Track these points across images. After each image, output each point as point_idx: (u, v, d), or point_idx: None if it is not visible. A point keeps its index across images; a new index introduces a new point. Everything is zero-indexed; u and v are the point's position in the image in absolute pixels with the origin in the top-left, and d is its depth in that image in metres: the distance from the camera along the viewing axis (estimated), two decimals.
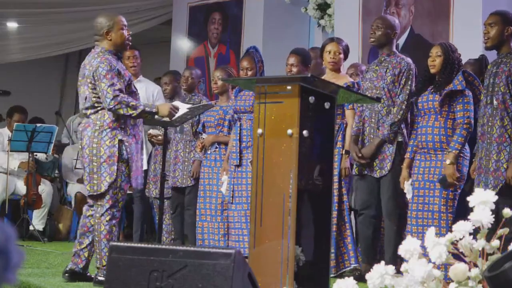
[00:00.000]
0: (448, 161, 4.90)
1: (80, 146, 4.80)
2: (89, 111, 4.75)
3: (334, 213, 5.46)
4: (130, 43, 4.92)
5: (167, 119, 5.10)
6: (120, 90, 4.66)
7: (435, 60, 5.05)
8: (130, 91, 4.80)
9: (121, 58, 4.91)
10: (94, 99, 4.72)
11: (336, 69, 5.68)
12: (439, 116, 5.01)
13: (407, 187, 5.10)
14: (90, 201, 4.86)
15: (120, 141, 4.69)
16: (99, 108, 4.72)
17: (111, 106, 4.62)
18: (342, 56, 5.70)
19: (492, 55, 5.13)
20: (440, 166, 4.98)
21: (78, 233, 4.90)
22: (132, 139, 4.77)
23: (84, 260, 4.82)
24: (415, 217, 5.02)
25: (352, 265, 5.48)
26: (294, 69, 5.78)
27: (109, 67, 4.67)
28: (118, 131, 4.70)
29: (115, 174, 4.67)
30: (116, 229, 4.76)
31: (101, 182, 4.68)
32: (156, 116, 4.89)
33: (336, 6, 7.95)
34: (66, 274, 4.80)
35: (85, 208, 4.93)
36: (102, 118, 4.70)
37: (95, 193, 4.71)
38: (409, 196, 5.11)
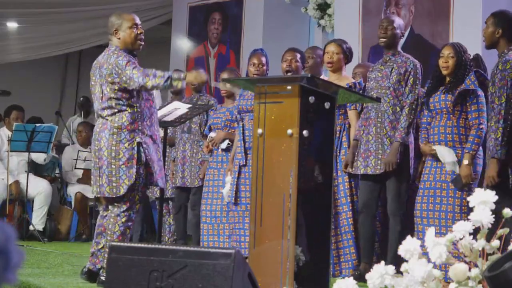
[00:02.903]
0: (466, 162, 4.88)
1: (96, 148, 4.74)
2: (105, 112, 4.71)
3: (349, 214, 5.46)
4: (143, 42, 4.84)
5: (168, 117, 5.11)
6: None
7: (448, 61, 5.03)
8: None
9: (135, 56, 4.84)
10: (113, 100, 4.68)
11: (335, 70, 5.67)
12: (451, 115, 5.00)
13: (439, 149, 5.04)
14: (105, 203, 4.83)
15: (139, 144, 4.66)
16: (116, 110, 4.68)
17: (141, 82, 4.57)
18: (341, 56, 5.67)
19: (490, 54, 5.14)
20: None
21: (95, 233, 4.85)
22: (149, 140, 4.74)
23: (102, 260, 4.79)
24: (426, 217, 5.00)
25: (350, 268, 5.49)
26: (294, 64, 5.77)
27: (127, 57, 4.66)
28: (136, 133, 4.67)
29: (134, 176, 4.64)
30: (130, 232, 4.74)
31: (119, 185, 4.64)
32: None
33: (336, 6, 7.95)
34: (85, 275, 4.79)
35: (102, 208, 4.90)
36: (120, 120, 4.66)
37: (114, 196, 4.67)
38: (445, 158, 5.00)
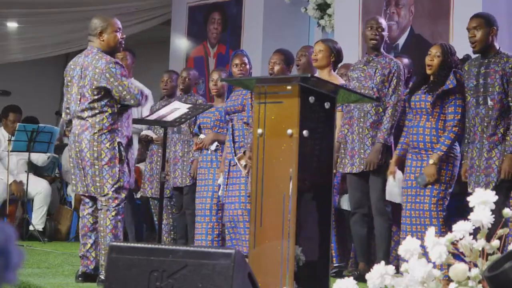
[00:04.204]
0: (431, 161, 4.93)
1: (77, 149, 4.80)
2: (85, 114, 4.77)
3: None
4: (123, 46, 4.99)
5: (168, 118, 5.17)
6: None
7: (433, 60, 5.06)
8: None
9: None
10: (95, 102, 4.74)
11: (320, 67, 5.69)
12: (430, 116, 5.03)
13: (390, 182, 5.14)
14: (85, 199, 4.89)
15: (119, 143, 4.77)
16: (97, 111, 4.75)
17: (140, 102, 4.81)
18: (326, 54, 5.67)
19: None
20: None
21: (80, 235, 4.91)
22: (126, 140, 4.86)
23: (93, 261, 4.82)
24: (409, 216, 5.04)
25: (335, 264, 5.51)
26: (277, 67, 5.85)
27: (119, 65, 4.76)
28: (116, 134, 4.76)
29: (117, 176, 4.74)
30: (121, 225, 4.80)
31: (103, 184, 4.73)
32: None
33: (336, 6, 7.95)
34: (80, 278, 4.81)
35: (81, 208, 4.95)
36: (101, 121, 4.74)
37: (99, 196, 4.75)
38: (388, 196, 5.16)
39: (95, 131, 4.74)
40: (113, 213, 4.74)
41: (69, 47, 10.97)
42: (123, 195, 4.81)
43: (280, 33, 8.73)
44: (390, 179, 5.18)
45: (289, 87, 3.63)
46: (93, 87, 4.73)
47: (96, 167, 4.74)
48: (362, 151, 5.32)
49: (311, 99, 3.66)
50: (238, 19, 9.07)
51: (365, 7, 7.51)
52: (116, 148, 4.75)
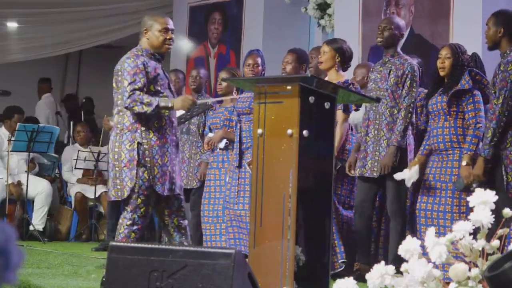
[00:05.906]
0: (464, 163, 4.88)
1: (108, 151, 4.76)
2: (114, 111, 4.68)
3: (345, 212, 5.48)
4: (170, 47, 4.75)
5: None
6: (139, 89, 4.52)
7: (444, 62, 5.04)
8: (156, 90, 4.63)
9: (159, 59, 4.74)
10: (119, 98, 4.63)
11: (326, 69, 5.66)
12: (448, 116, 5.02)
13: (408, 172, 5.05)
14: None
15: (139, 144, 4.55)
16: (119, 108, 4.62)
17: (127, 105, 4.51)
18: (330, 55, 5.64)
19: (492, 54, 5.16)
20: (451, 166, 5.00)
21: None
22: (157, 141, 4.61)
23: None
24: (424, 217, 5.01)
25: (340, 260, 5.46)
26: (289, 67, 5.82)
27: (134, 62, 4.57)
28: (137, 134, 4.56)
29: (135, 178, 4.52)
30: (136, 236, 4.58)
31: (123, 187, 4.55)
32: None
33: (336, 6, 7.95)
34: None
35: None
36: (122, 120, 4.60)
37: (119, 199, 4.60)
38: (406, 180, 5.05)
39: (117, 131, 4.59)
40: (128, 223, 4.55)
41: (69, 47, 10.96)
42: (139, 201, 4.55)
43: (280, 33, 8.73)
44: (409, 170, 5.04)
45: (289, 87, 3.63)
46: (116, 80, 4.65)
47: (117, 169, 4.55)
48: (377, 153, 5.29)
49: (311, 99, 3.66)
50: (238, 19, 9.07)
51: (365, 7, 7.51)
52: (135, 149, 4.53)
